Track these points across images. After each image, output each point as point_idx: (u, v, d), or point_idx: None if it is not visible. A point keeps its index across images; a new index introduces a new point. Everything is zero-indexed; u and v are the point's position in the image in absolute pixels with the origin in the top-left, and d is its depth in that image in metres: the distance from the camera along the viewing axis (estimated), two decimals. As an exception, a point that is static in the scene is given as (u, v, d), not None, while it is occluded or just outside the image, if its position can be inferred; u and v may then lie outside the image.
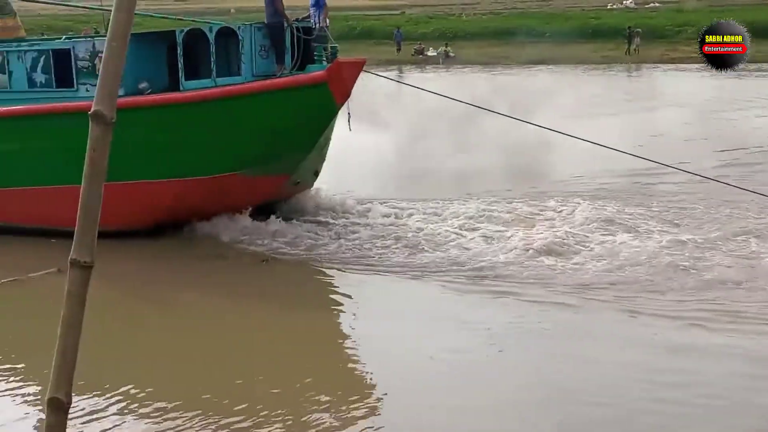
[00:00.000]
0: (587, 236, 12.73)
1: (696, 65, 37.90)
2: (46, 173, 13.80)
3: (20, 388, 8.49)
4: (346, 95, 12.83)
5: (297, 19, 14.14)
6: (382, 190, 15.91)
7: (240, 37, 13.28)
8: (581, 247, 12.25)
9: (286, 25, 13.60)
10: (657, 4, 62.34)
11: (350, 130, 13.56)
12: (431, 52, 48.94)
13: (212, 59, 13.16)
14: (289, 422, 7.46)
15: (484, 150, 18.39)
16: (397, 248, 12.59)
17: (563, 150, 15.79)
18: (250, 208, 13.90)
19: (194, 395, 8.04)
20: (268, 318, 10.44)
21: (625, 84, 37.77)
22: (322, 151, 14.71)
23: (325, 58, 13.18)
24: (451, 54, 48.57)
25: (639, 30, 45.31)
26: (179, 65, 13.22)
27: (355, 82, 12.83)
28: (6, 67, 14.28)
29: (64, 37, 15.39)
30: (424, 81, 40.97)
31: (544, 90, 30.27)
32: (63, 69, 13.92)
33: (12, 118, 14.04)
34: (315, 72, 12.96)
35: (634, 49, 44.71)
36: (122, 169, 12.33)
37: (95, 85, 9.68)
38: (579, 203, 14.51)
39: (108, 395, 8.11)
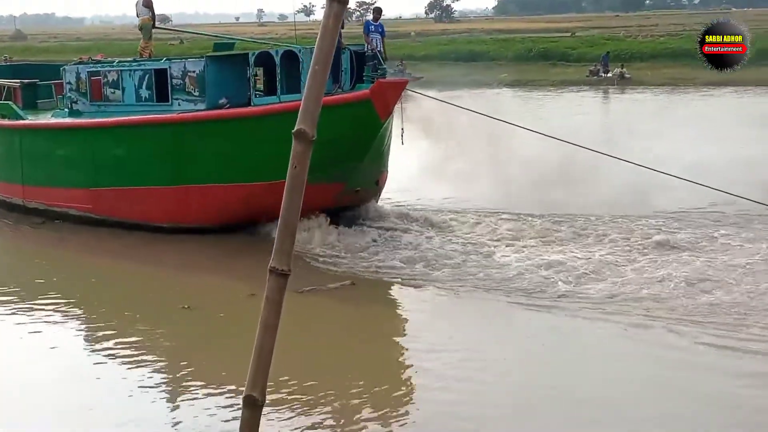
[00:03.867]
0: None
1: None
2: (147, 175, 15.78)
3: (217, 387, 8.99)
4: (388, 112, 14.30)
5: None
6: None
7: (301, 59, 14.71)
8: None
9: (342, 48, 15.13)
10: None
11: (402, 143, 15.13)
12: (610, 74, 47.96)
13: (277, 78, 14.98)
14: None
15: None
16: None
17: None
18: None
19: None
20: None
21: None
22: (379, 163, 15.75)
23: (372, 79, 14.51)
24: (627, 75, 47.48)
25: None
26: (250, 84, 15.19)
27: (396, 100, 14.28)
28: (120, 83, 16.57)
29: (164, 58, 17.23)
30: (595, 102, 40.52)
31: (708, 114, 28.99)
32: (161, 86, 16.02)
33: (124, 127, 16.11)
34: (361, 90, 14.45)
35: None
36: (200, 174, 15.24)
37: (186, 100, 13.44)
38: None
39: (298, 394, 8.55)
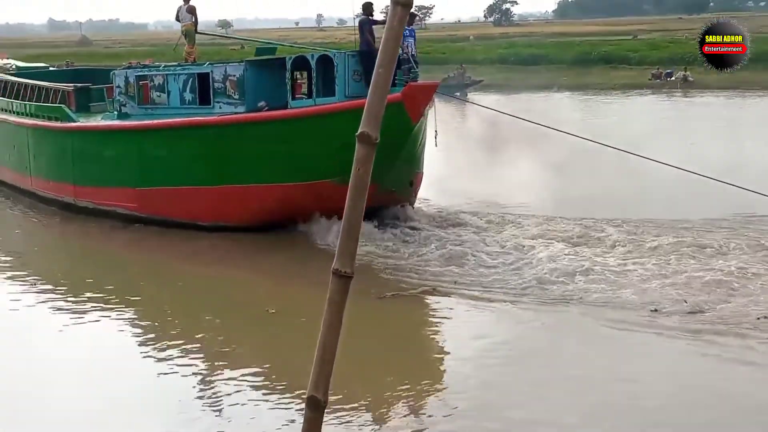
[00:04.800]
0: None
1: None
2: (189, 176, 16.28)
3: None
4: (420, 113, 14.47)
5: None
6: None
7: (335, 63, 15.05)
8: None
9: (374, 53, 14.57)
10: None
11: (436, 146, 15.33)
12: (673, 77, 47.27)
13: (313, 82, 15.36)
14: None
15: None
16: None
17: None
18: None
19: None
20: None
21: None
22: (412, 164, 15.81)
23: (405, 82, 14.49)
24: (690, 78, 46.69)
25: None
26: (287, 87, 15.50)
27: (427, 103, 14.54)
28: (166, 87, 17.16)
29: (207, 63, 17.66)
30: (653, 104, 39.89)
31: None
32: (203, 89, 16.54)
33: (167, 129, 16.71)
34: (393, 93, 14.39)
35: None
36: (240, 175, 15.62)
37: (227, 103, 14.09)
38: None
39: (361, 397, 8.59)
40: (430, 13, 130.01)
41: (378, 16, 16.58)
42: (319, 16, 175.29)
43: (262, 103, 15.80)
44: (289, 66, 15.47)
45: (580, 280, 12.02)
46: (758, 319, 10.29)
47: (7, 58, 28.06)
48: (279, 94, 15.65)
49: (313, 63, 15.27)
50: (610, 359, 9.67)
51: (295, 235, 15.39)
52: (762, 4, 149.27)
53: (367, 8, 15.77)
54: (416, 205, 16.67)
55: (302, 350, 9.49)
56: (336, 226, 14.79)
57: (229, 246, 15.26)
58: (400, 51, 15.23)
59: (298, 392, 8.58)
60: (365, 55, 15.20)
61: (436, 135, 15.11)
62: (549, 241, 14.20)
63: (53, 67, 28.92)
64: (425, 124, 15.39)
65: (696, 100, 40.94)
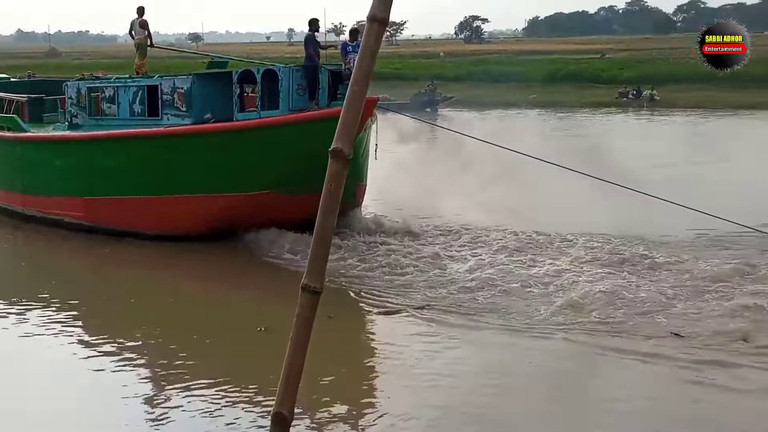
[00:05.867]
0: None
1: None
2: (137, 186, 16.49)
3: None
4: (361, 127, 14.19)
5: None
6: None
7: (280, 78, 15.52)
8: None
9: (318, 67, 15.94)
10: None
11: (376, 158, 15.98)
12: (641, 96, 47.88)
13: (258, 95, 15.65)
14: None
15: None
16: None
17: None
18: None
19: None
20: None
21: None
22: (354, 176, 15.65)
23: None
24: (657, 97, 47.38)
25: None
26: (233, 100, 15.80)
27: (368, 116, 14.73)
28: (116, 98, 17.56)
29: (156, 76, 17.92)
30: (619, 122, 40.24)
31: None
32: (152, 101, 16.91)
33: (115, 140, 16.97)
34: (334, 107, 14.84)
35: None
36: (186, 185, 15.91)
37: (174, 115, 14.33)
38: None
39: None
40: (402, 30, 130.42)
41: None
42: (291, 30, 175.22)
43: (208, 116, 16.13)
44: (235, 79, 15.85)
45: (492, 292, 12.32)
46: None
47: None
48: (226, 107, 15.97)
49: (258, 77, 15.65)
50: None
51: (240, 244, 15.73)
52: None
53: (313, 24, 16.55)
54: (365, 215, 16.94)
55: (262, 362, 9.68)
56: (281, 238, 15.42)
57: (171, 253, 15.64)
58: (344, 66, 15.99)
59: (265, 408, 8.51)
60: (309, 69, 15.88)
61: (376, 148, 15.79)
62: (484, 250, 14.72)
63: (15, 78, 28.74)
64: (368, 137, 15.84)
65: (666, 119, 41.42)
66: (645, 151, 26.13)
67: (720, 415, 8.50)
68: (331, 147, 3.05)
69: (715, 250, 14.46)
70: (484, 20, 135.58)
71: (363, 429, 8.32)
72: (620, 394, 9.03)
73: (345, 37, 25.21)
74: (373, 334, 11.76)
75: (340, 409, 8.77)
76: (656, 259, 13.74)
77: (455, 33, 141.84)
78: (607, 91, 49.80)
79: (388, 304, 12.24)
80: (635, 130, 37.77)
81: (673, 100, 46.35)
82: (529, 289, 12.48)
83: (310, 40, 16.19)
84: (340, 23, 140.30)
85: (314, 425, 8.34)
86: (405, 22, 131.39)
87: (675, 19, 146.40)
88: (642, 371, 9.64)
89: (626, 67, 57.74)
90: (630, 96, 48.30)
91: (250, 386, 9.31)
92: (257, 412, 8.62)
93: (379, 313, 11.98)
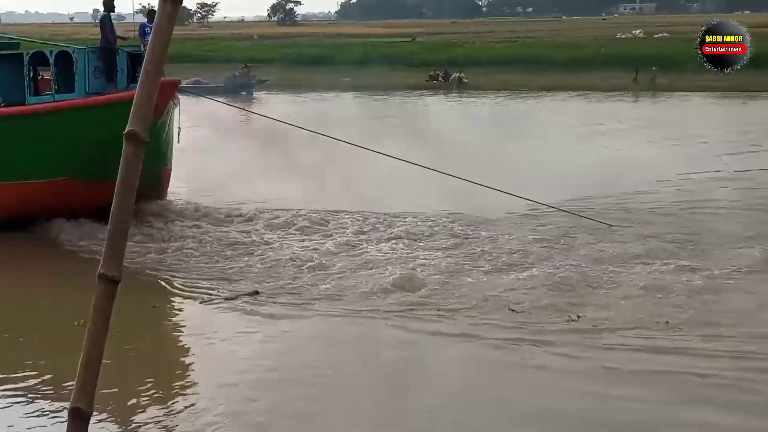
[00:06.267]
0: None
1: (702, 93, 38.72)
2: None
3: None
4: (160, 111, 13.92)
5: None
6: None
7: (75, 59, 14.94)
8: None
9: (115, 49, 15.39)
10: (666, 34, 62.23)
11: (179, 142, 15.81)
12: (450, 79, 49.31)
13: (52, 78, 15.10)
14: None
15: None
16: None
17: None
18: None
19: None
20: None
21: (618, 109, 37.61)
22: (158, 161, 15.23)
23: None
24: (465, 80, 48.96)
25: (655, 68, 44.97)
26: (25, 83, 15.09)
27: (168, 100, 14.17)
28: None
29: None
30: (432, 104, 41.35)
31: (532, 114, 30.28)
32: None
33: None
34: (131, 90, 14.09)
35: (651, 80, 44.68)
36: None
37: None
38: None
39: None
40: (213, 11, 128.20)
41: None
42: (96, 11, 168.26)
43: None
44: (26, 61, 15.11)
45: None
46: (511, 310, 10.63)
47: None
48: (17, 90, 15.20)
49: (52, 59, 15.00)
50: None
51: (40, 234, 14.98)
52: (529, 10, 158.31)
53: (108, 4, 15.89)
54: (172, 200, 16.61)
55: (64, 357, 9.26)
56: (84, 227, 14.71)
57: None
58: (142, 48, 15.36)
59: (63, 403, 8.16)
60: (105, 51, 15.30)
61: (179, 131, 15.58)
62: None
63: None
64: (170, 121, 15.28)
65: (476, 101, 42.88)
66: (459, 131, 26.85)
67: (538, 396, 8.50)
68: (126, 130, 2.94)
69: (532, 226, 14.83)
70: (297, 2, 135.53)
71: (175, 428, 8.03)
72: (441, 380, 8.89)
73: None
74: (191, 324, 11.24)
75: (153, 407, 8.42)
76: (476, 238, 13.94)
77: (268, 15, 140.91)
78: (418, 75, 50.93)
79: (211, 293, 11.92)
80: (447, 111, 38.82)
81: (481, 83, 48.06)
82: (349, 274, 12.39)
83: (107, 21, 15.59)
84: (149, 4, 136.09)
85: (120, 423, 8.00)
86: (217, 3, 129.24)
87: (480, 3, 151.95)
88: (471, 352, 9.61)
89: (436, 50, 59.23)
90: (440, 79, 49.61)
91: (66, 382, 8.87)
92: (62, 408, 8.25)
93: (202, 303, 11.62)
